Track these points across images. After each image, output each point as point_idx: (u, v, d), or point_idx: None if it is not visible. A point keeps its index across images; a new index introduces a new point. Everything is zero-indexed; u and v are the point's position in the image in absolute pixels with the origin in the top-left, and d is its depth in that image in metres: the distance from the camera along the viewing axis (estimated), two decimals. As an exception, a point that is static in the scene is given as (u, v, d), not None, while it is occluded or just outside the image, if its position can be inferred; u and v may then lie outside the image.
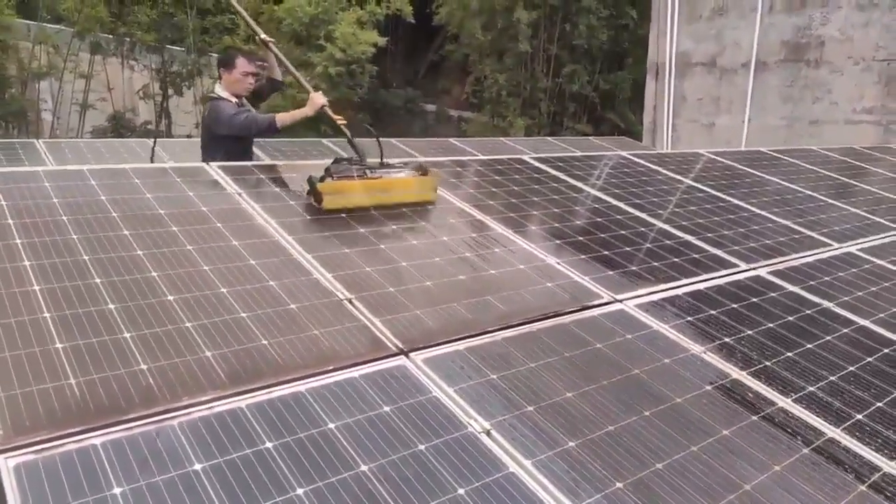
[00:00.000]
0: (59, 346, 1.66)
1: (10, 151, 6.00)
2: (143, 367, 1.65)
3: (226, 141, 3.81)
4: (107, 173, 2.65)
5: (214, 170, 2.90)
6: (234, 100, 3.94)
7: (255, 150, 6.81)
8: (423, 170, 3.07)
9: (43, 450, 1.35)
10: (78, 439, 1.40)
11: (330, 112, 3.74)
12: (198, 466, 1.39)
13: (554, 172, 3.90)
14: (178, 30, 13.56)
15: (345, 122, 3.65)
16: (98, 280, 1.95)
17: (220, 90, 3.98)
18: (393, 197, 2.91)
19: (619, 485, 1.58)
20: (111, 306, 1.85)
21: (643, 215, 3.49)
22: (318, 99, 3.77)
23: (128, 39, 13.32)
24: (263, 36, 4.10)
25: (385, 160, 3.06)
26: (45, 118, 12.80)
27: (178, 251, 2.19)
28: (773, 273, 3.07)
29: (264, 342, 1.83)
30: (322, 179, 2.75)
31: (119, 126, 13.14)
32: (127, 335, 1.74)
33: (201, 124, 4.31)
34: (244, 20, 4.28)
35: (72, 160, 5.92)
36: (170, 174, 2.80)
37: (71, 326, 1.73)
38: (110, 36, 13.11)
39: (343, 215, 2.73)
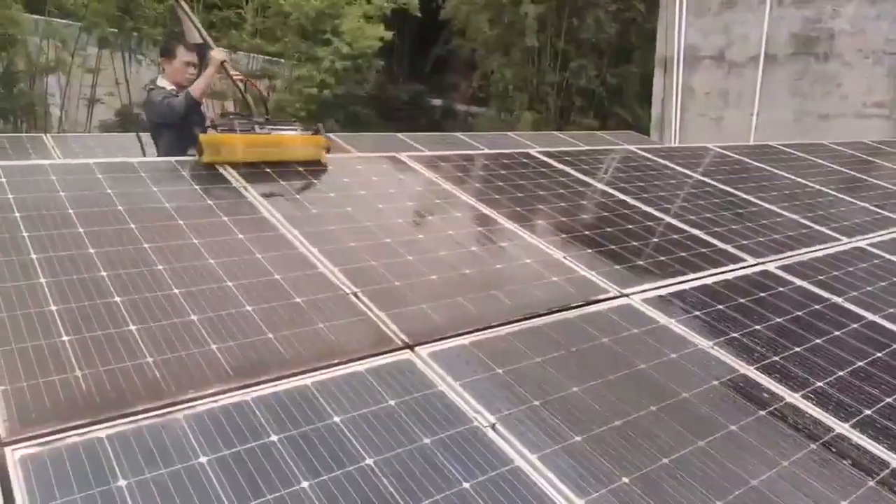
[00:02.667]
0: (65, 338, 1.66)
1: (18, 145, 6.03)
2: (149, 359, 1.65)
3: (167, 128, 3.82)
4: (113, 167, 2.65)
5: (220, 164, 2.89)
6: (170, 88, 3.91)
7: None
8: (314, 130, 3.04)
9: (49, 442, 1.36)
10: (84, 432, 1.40)
11: (229, 68, 3.78)
12: (203, 459, 1.39)
13: (561, 167, 3.88)
14: (179, 24, 13.54)
15: (241, 77, 3.72)
16: (104, 273, 1.95)
17: (160, 81, 3.97)
18: (278, 153, 2.89)
19: (625, 480, 1.57)
20: (117, 299, 1.85)
21: (650, 209, 3.47)
22: (218, 55, 3.79)
23: (135, 34, 13.32)
24: None
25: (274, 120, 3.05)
26: (52, 112, 12.83)
27: (184, 245, 2.19)
28: (782, 268, 3.05)
29: (270, 336, 1.83)
30: (205, 131, 2.75)
31: (127, 121, 13.16)
32: (133, 328, 1.75)
33: (145, 116, 4.29)
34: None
35: (79, 154, 5.94)
36: (176, 168, 2.80)
37: (77, 319, 1.74)
38: (118, 31, 13.12)
39: (349, 209, 2.72)
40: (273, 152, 2.88)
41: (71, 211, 2.25)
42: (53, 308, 1.76)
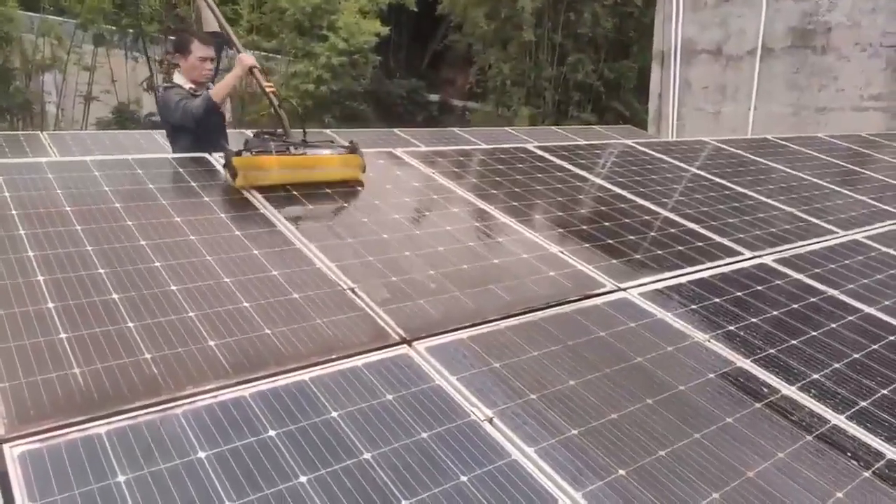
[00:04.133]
0: (63, 335, 1.66)
1: (15, 143, 6.02)
2: (147, 356, 1.65)
3: (184, 131, 3.48)
4: (110, 164, 2.65)
5: (217, 160, 2.89)
6: (188, 86, 3.56)
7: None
8: (350, 147, 2.90)
9: (47, 438, 1.36)
10: (82, 428, 1.40)
11: (258, 75, 3.41)
12: (201, 454, 1.40)
13: (558, 161, 3.89)
14: (181, 20, 13.52)
15: (274, 89, 3.35)
16: (102, 270, 1.96)
17: (177, 78, 3.62)
18: (315, 175, 2.74)
19: (622, 472, 1.58)
20: (115, 296, 1.85)
21: (647, 204, 3.47)
22: (247, 59, 3.42)
23: (131, 31, 13.29)
24: None
25: (308, 139, 2.89)
26: (49, 110, 12.81)
27: (182, 241, 2.20)
28: (778, 261, 3.06)
29: (267, 331, 1.84)
30: (238, 153, 2.58)
31: (123, 118, 13.14)
32: (131, 325, 1.75)
33: (160, 116, 3.91)
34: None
35: (76, 152, 5.93)
36: (173, 165, 2.80)
37: (75, 316, 1.74)
38: (114, 27, 13.09)
39: (346, 205, 2.73)
40: (310, 174, 2.74)
41: (68, 208, 2.26)
42: (51, 305, 1.76)
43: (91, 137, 7.08)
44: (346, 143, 2.92)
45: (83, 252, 2.03)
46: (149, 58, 13.30)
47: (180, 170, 2.74)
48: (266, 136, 2.75)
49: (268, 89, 3.30)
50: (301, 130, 2.97)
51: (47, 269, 1.91)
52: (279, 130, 2.87)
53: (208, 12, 3.79)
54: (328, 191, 2.81)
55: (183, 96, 3.44)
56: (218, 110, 3.46)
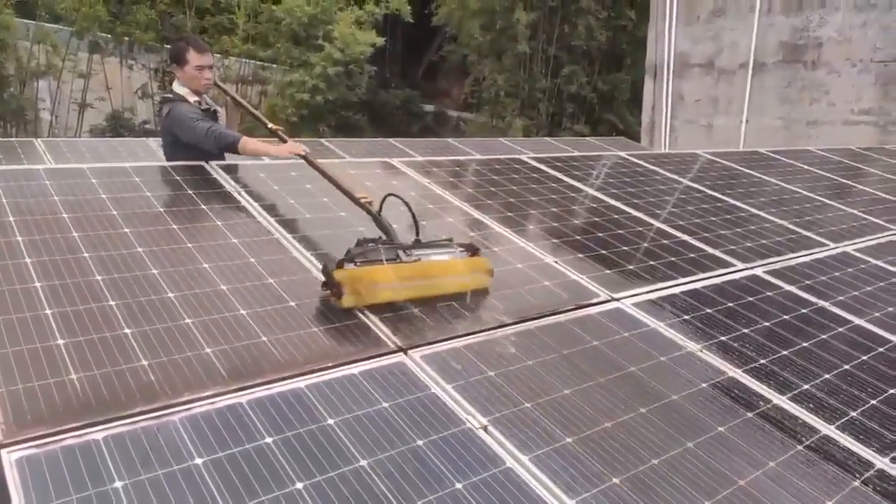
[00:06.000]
0: (60, 342, 1.67)
1: (10, 150, 6.01)
2: (144, 363, 1.66)
3: (191, 147, 3.21)
4: (107, 171, 2.67)
5: (213, 168, 2.91)
6: (192, 99, 3.35)
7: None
8: (471, 248, 2.40)
9: (45, 444, 1.37)
10: (79, 434, 1.41)
11: (312, 161, 2.92)
12: (198, 461, 1.41)
13: (552, 172, 3.92)
14: (176, 29, 13.56)
15: (368, 197, 2.65)
16: (99, 277, 1.96)
17: (178, 88, 3.39)
18: (437, 286, 2.24)
19: (615, 480, 1.60)
20: (112, 303, 1.86)
21: (641, 215, 3.51)
22: (296, 148, 3.03)
23: (126, 39, 13.32)
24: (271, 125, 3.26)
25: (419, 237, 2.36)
26: (43, 117, 12.80)
27: (178, 248, 2.21)
28: (770, 272, 3.09)
29: (264, 339, 1.85)
30: (340, 265, 2.08)
31: (117, 125, 13.14)
32: (128, 331, 1.76)
33: (162, 127, 3.56)
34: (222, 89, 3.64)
35: (71, 159, 5.93)
36: (170, 173, 2.81)
37: (72, 322, 1.75)
38: (109, 35, 13.11)
39: (342, 214, 2.74)
40: (431, 285, 2.23)
41: (65, 215, 2.26)
42: (48, 311, 1.77)
43: (86, 144, 7.08)
44: (467, 244, 2.41)
45: (80, 259, 2.04)
46: (146, 66, 13.32)
47: (177, 178, 2.75)
48: (370, 244, 2.24)
49: (362, 201, 2.62)
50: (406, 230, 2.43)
51: (45, 276, 1.92)
52: (381, 236, 2.37)
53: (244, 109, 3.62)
54: (325, 199, 2.83)
55: (199, 116, 3.25)
56: (235, 153, 3.22)
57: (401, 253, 2.25)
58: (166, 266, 2.09)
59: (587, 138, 10.94)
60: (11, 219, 2.18)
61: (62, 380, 1.55)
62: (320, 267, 2.18)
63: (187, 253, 2.19)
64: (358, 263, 2.11)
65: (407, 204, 2.34)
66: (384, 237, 2.35)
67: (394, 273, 2.16)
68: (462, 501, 1.45)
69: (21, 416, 1.43)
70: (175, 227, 2.35)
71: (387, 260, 2.20)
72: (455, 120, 18.49)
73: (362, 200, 2.60)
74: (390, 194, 2.40)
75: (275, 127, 3.19)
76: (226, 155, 3.35)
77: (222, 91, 3.64)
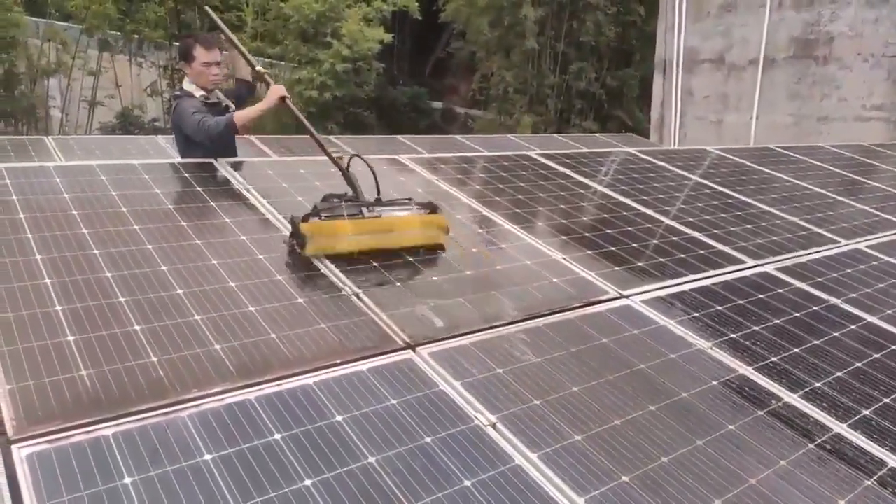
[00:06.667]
0: (70, 338, 1.68)
1: (20, 148, 6.04)
2: (154, 359, 1.66)
3: (197, 144, 3.27)
4: (116, 168, 2.67)
5: (223, 165, 2.92)
6: (199, 94, 3.37)
7: (262, 146, 6.85)
8: (430, 207, 2.60)
9: (55, 440, 1.37)
10: (89, 430, 1.42)
11: (292, 105, 3.10)
12: (207, 457, 1.41)
13: (561, 169, 3.90)
14: (186, 27, 13.60)
15: (339, 154, 2.87)
16: (108, 274, 1.97)
17: (186, 85, 3.43)
18: (394, 240, 2.46)
19: (625, 478, 1.59)
20: (121, 299, 1.86)
21: (650, 212, 3.49)
22: (278, 91, 3.09)
23: (136, 36, 13.37)
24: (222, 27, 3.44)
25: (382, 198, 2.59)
26: (53, 115, 12.87)
27: (187, 245, 2.21)
28: (781, 269, 3.07)
29: (273, 336, 1.85)
30: (306, 219, 2.31)
31: (127, 123, 13.20)
32: (137, 328, 1.76)
33: (172, 125, 3.62)
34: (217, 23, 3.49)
35: (81, 157, 5.95)
36: (179, 170, 2.82)
37: (82, 319, 1.75)
38: (118, 33, 13.17)
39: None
40: (388, 238, 2.44)
41: (75, 212, 2.27)
42: (58, 308, 1.78)
43: (96, 142, 7.10)
44: (426, 203, 2.62)
45: (90, 255, 2.04)
46: (155, 63, 13.36)
47: (186, 175, 2.76)
48: (336, 199, 2.49)
49: (334, 156, 2.82)
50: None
51: (55, 272, 1.92)
52: (348, 192, 2.58)
53: (236, 54, 3.53)
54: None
55: (198, 108, 3.28)
56: (237, 133, 3.29)
57: (364, 209, 2.47)
58: (175, 263, 2.10)
59: (596, 135, 10.89)
60: (22, 216, 2.19)
61: (72, 376, 1.56)
62: (289, 219, 2.38)
63: (196, 250, 2.20)
64: (323, 217, 2.34)
65: (370, 166, 2.60)
66: (350, 193, 2.58)
67: (354, 227, 2.38)
68: (470, 499, 1.44)
69: (31, 413, 1.43)
70: (184, 223, 2.35)
71: (349, 215, 2.42)
72: (463, 117, 18.46)
73: (334, 155, 2.81)
74: (356, 155, 2.71)
75: (261, 70, 3.27)
76: (237, 149, 3.37)
77: (225, 36, 3.50)
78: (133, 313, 1.82)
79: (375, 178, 2.59)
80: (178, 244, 2.21)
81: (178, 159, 3.16)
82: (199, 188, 2.65)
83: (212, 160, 2.96)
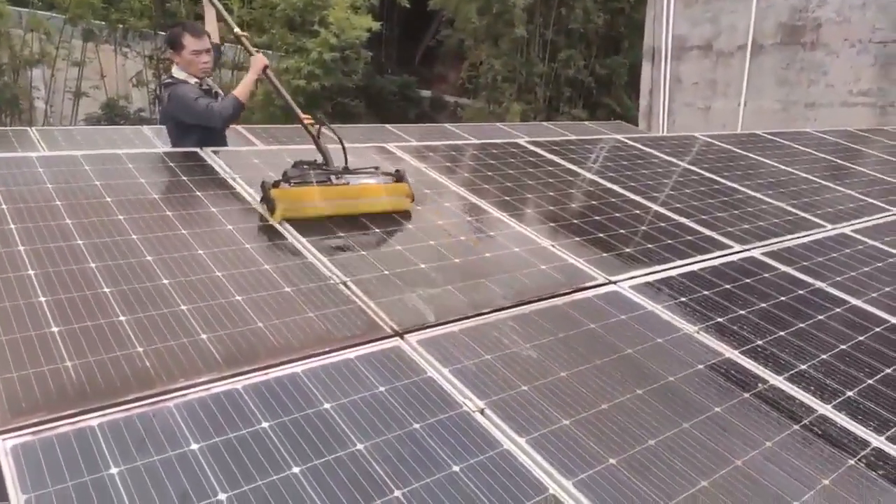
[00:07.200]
0: (54, 329, 1.66)
1: (4, 139, 5.97)
2: (139, 349, 1.66)
3: (196, 129, 3.28)
4: (100, 159, 2.65)
5: (208, 154, 2.90)
6: (193, 81, 3.36)
7: (250, 135, 6.80)
8: (396, 175, 2.73)
9: (40, 431, 1.37)
10: (75, 421, 1.41)
11: (271, 75, 3.33)
12: (194, 446, 1.41)
13: (549, 156, 3.90)
14: (170, 16, 13.45)
15: (308, 118, 3.16)
16: (93, 264, 1.95)
17: (177, 72, 3.39)
18: (359, 206, 2.58)
19: (612, 461, 1.60)
20: (106, 290, 1.85)
21: (638, 198, 3.49)
22: (260, 61, 3.30)
23: (121, 26, 13.21)
24: None
25: (350, 166, 2.71)
26: (37, 106, 12.71)
27: (173, 235, 2.20)
28: (767, 254, 3.08)
29: (260, 325, 1.84)
30: (276, 185, 2.43)
31: (113, 114, 13.06)
32: (122, 318, 1.75)
33: (162, 114, 3.65)
34: None
35: (65, 147, 5.89)
36: (164, 159, 2.79)
37: (66, 310, 1.74)
38: (103, 23, 13.00)
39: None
40: (354, 205, 2.57)
41: (58, 202, 2.25)
42: (42, 299, 1.76)
43: (81, 133, 7.03)
44: (392, 172, 2.74)
45: (74, 246, 2.03)
46: (140, 53, 13.22)
47: (172, 164, 2.73)
48: (305, 166, 2.60)
49: (305, 122, 3.11)
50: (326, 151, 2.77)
51: (38, 264, 1.91)
52: (318, 160, 2.70)
53: (211, 13, 3.67)
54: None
55: (199, 94, 3.27)
56: (244, 110, 3.38)
57: (332, 177, 2.58)
58: (161, 253, 2.08)
59: (585, 122, 10.89)
60: (4, 207, 2.16)
61: (57, 367, 1.55)
62: (260, 184, 2.47)
63: (182, 239, 2.18)
64: (292, 184, 2.44)
65: (337, 135, 2.73)
66: (318, 160, 2.70)
67: (321, 193, 2.49)
68: (459, 484, 1.45)
69: (16, 404, 1.42)
70: (169, 213, 2.33)
71: (318, 182, 2.53)
72: (452, 105, 18.39)
73: (305, 121, 3.02)
74: (325, 124, 2.89)
75: (239, 33, 3.45)
76: (227, 139, 3.40)
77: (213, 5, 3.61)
78: (118, 304, 1.81)
79: (343, 148, 2.71)
80: (164, 234, 2.19)
81: (163, 149, 3.13)
82: (184, 178, 2.63)
83: (197, 149, 2.94)
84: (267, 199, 2.41)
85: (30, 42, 12.26)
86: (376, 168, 2.74)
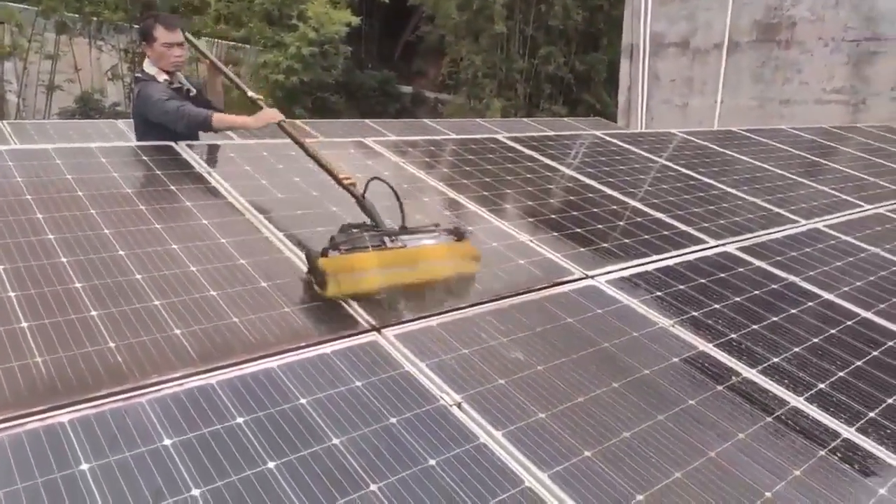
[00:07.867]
0: (24, 325, 1.63)
1: (-26, 133, 5.85)
2: (111, 345, 1.63)
3: (161, 128, 3.10)
4: (72, 152, 2.60)
5: (183, 149, 2.86)
6: (162, 78, 3.21)
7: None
8: (457, 233, 2.32)
9: (7, 428, 1.34)
10: (44, 417, 1.38)
11: (289, 129, 2.84)
12: (167, 442, 1.39)
13: (528, 152, 3.91)
14: (146, 8, 13.25)
15: (350, 178, 2.53)
16: (64, 259, 1.92)
17: (147, 67, 3.24)
18: (421, 272, 2.19)
19: (587, 453, 1.61)
20: (77, 285, 1.82)
21: (616, 194, 3.52)
22: (273, 115, 2.94)
23: (95, 19, 12.99)
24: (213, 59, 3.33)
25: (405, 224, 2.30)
26: (9, 100, 12.47)
27: (146, 230, 2.17)
28: (742, 249, 3.12)
29: (235, 320, 1.83)
30: (325, 253, 2.01)
31: (87, 108, 12.84)
32: (94, 313, 1.73)
33: (132, 110, 3.44)
34: (194, 45, 3.32)
35: (38, 141, 5.79)
36: (138, 153, 2.76)
37: (37, 305, 1.71)
38: (76, 15, 12.77)
39: (315, 193, 2.71)
40: (413, 271, 2.17)
41: (29, 197, 2.21)
42: (12, 294, 1.73)
43: (54, 127, 6.91)
44: (452, 229, 2.34)
45: (45, 241, 1.99)
46: (115, 47, 13.01)
47: (146, 158, 2.70)
48: (354, 230, 2.19)
49: (345, 182, 2.50)
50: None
51: (7, 258, 1.87)
52: (367, 221, 2.30)
53: (216, 78, 3.39)
54: (296, 179, 2.80)
55: (170, 95, 3.12)
56: (208, 131, 3.15)
57: (385, 239, 2.19)
58: (134, 248, 2.05)
59: (564, 118, 10.94)
60: (-28, 201, 2.12)
61: (26, 363, 1.52)
62: (303, 254, 2.13)
63: (156, 234, 2.16)
64: (342, 251, 2.05)
65: (393, 189, 2.27)
66: (368, 222, 2.28)
67: (378, 260, 2.09)
68: (436, 477, 1.45)
69: (-17, 401, 1.40)
70: (143, 208, 2.30)
71: (372, 247, 2.14)
72: (433, 101, 18.38)
73: (345, 181, 2.49)
74: (375, 178, 2.33)
75: (255, 96, 3.10)
76: (199, 134, 3.27)
77: (195, 50, 3.44)
78: (90, 299, 1.78)
79: (400, 204, 2.26)
80: (137, 228, 2.16)
81: (137, 143, 3.08)
82: (158, 172, 2.60)
83: (172, 143, 2.90)
84: (315, 272, 2.02)
85: (1, 35, 12.01)
86: (436, 225, 2.34)
